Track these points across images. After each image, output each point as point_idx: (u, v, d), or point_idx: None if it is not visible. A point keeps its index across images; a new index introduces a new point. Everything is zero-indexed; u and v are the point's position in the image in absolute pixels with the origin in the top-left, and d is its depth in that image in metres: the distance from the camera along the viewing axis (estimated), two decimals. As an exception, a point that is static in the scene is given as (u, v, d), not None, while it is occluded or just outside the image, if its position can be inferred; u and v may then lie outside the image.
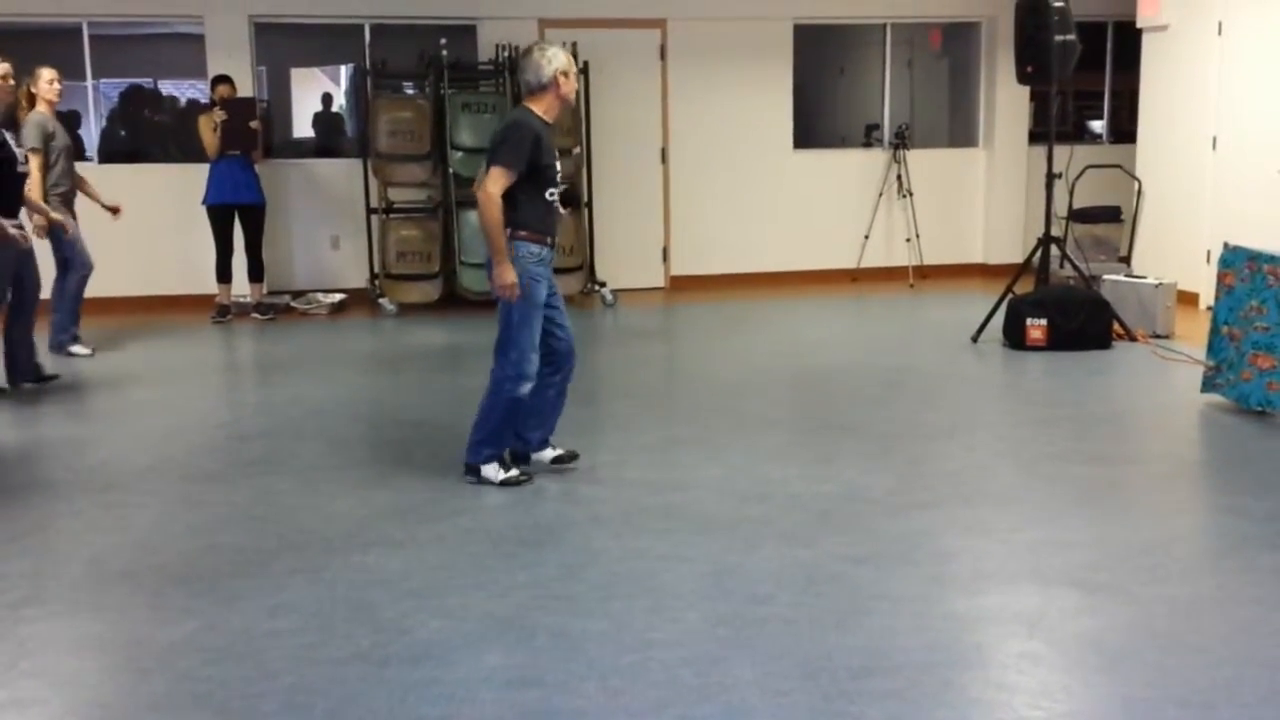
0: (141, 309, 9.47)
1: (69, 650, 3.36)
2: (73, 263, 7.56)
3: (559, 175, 4.68)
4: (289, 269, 10.01)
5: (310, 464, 5.20)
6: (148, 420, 6.08)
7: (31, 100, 7.43)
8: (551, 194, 4.63)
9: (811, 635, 3.34)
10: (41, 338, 7.51)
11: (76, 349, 7.68)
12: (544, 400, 4.86)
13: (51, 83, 7.47)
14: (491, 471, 4.78)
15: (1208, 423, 5.76)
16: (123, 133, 10.45)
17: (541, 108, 4.61)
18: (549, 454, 4.99)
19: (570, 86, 4.64)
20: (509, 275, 4.50)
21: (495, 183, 4.46)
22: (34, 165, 7.13)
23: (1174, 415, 5.92)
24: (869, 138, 11.25)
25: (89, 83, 9.58)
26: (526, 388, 4.67)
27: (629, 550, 4.06)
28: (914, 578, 3.77)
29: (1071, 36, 7.49)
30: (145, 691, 3.08)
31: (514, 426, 4.83)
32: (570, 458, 5.01)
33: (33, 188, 7.06)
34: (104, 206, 7.87)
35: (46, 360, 7.13)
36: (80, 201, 7.76)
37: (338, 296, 9.71)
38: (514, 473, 4.80)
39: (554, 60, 4.56)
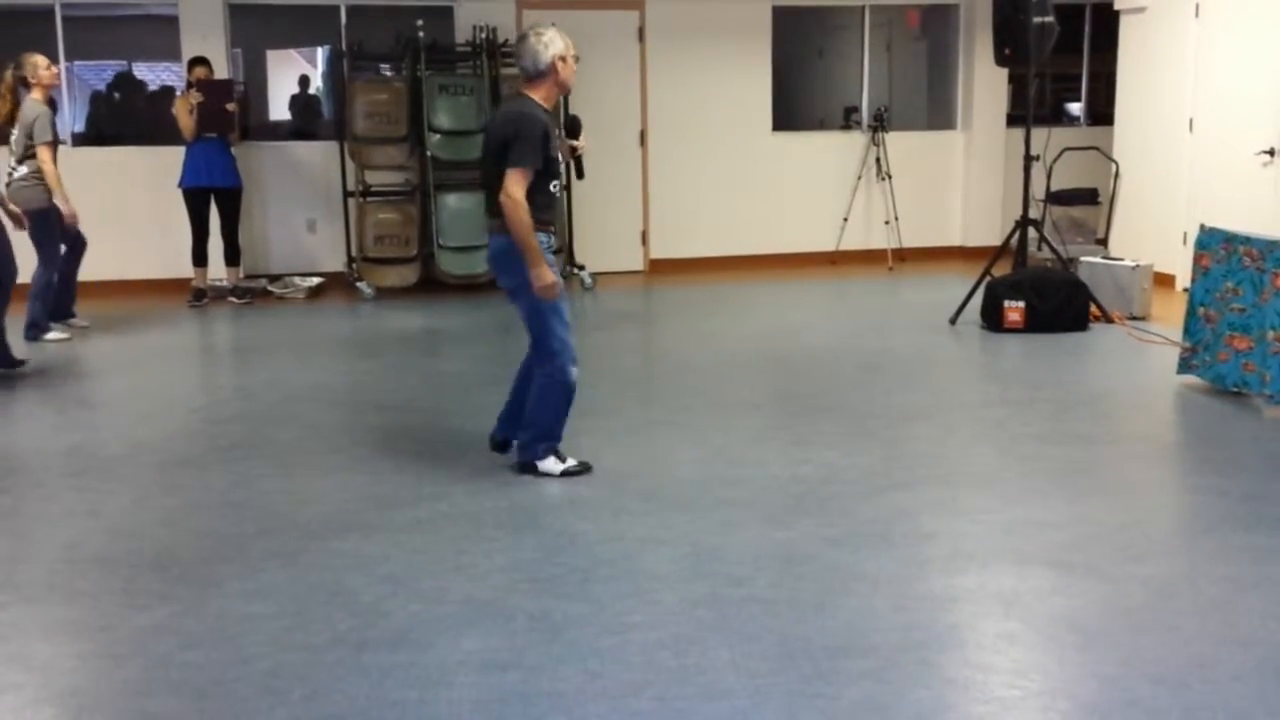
0: (117, 293, 9.40)
1: (43, 636, 3.34)
2: (44, 256, 7.55)
3: (561, 166, 4.58)
4: (266, 252, 9.95)
5: (287, 449, 5.17)
6: (123, 405, 6.04)
7: (15, 89, 7.38)
8: (555, 186, 4.54)
9: (790, 616, 3.35)
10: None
11: (49, 335, 7.65)
12: (527, 388, 4.73)
13: (49, 67, 7.48)
14: (551, 465, 4.65)
15: (1184, 404, 5.80)
16: (98, 115, 10.35)
17: (540, 95, 4.47)
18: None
19: (569, 71, 4.48)
20: (548, 275, 4.37)
21: (518, 186, 4.31)
22: (47, 158, 7.34)
23: (1150, 396, 5.95)
24: (848, 120, 11.24)
25: (62, 65, 9.47)
26: (575, 370, 4.56)
27: (608, 533, 4.06)
28: (892, 558, 3.78)
29: (1049, 19, 7.51)
30: (120, 677, 3.06)
31: (566, 416, 4.67)
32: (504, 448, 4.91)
33: (53, 180, 7.36)
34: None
35: (21, 348, 7.10)
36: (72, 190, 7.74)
37: (315, 280, 9.65)
38: (573, 463, 4.68)
39: (551, 45, 4.42)
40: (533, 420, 4.65)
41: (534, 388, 4.63)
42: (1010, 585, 3.56)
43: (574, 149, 4.77)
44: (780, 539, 3.97)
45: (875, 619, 3.33)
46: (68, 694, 3.00)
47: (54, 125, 7.44)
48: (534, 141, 4.33)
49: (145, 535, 4.11)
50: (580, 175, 4.95)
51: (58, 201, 7.43)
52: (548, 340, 4.52)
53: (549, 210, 4.52)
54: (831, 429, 5.34)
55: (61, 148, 8.86)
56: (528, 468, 4.69)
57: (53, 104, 7.68)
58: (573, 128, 4.77)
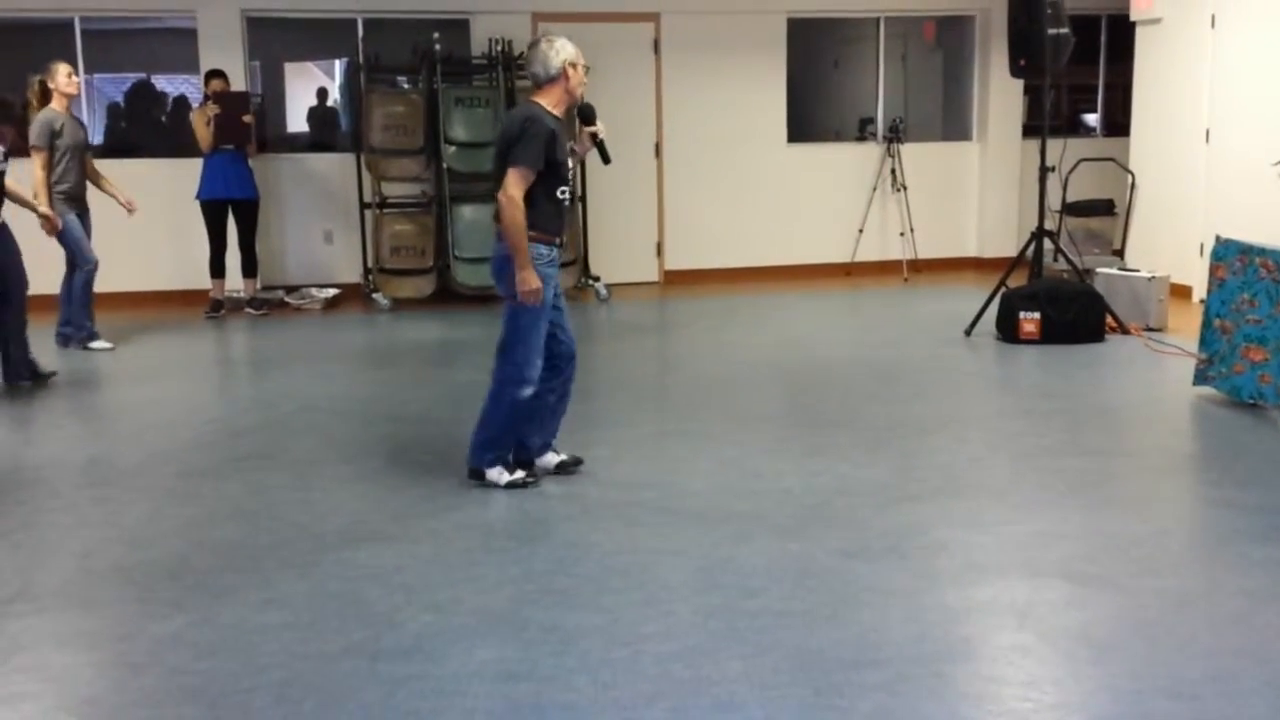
0: (135, 304, 9.46)
1: (60, 645, 3.36)
2: (75, 260, 7.63)
3: (570, 173, 4.58)
4: (282, 264, 10.00)
5: (302, 459, 5.20)
6: (140, 415, 6.08)
7: (44, 97, 7.47)
8: (563, 192, 4.52)
9: (803, 628, 3.35)
10: (46, 334, 7.55)
11: (96, 344, 7.73)
12: (544, 405, 4.72)
13: (70, 77, 7.55)
14: (496, 474, 4.67)
15: (1200, 415, 5.77)
16: (116, 127, 10.43)
17: (550, 101, 4.50)
18: (552, 459, 4.83)
19: (579, 78, 4.52)
20: (533, 280, 4.39)
21: (516, 185, 4.34)
22: (36, 163, 7.26)
23: (1166, 408, 5.93)
24: (863, 131, 11.25)
25: (81, 78, 9.53)
26: (529, 391, 4.56)
27: (621, 544, 4.06)
28: (905, 571, 3.78)
29: (1065, 29, 7.49)
30: (136, 686, 3.08)
31: (517, 430, 4.70)
32: (574, 463, 4.87)
33: (37, 185, 7.29)
34: (120, 203, 7.87)
35: (48, 356, 7.14)
36: (94, 198, 7.79)
37: (331, 291, 9.70)
38: (519, 475, 4.69)
39: (562, 51, 4.46)
40: (482, 425, 4.67)
41: (488, 393, 4.64)
42: (1024, 597, 3.55)
43: (594, 135, 4.71)
44: (793, 551, 3.96)
45: (888, 631, 3.32)
46: (84, 703, 3.02)
47: (48, 132, 7.36)
48: (538, 142, 4.35)
49: (161, 545, 4.13)
50: (607, 160, 4.79)
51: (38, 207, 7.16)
52: (513, 351, 4.55)
53: (556, 219, 4.52)
54: (845, 440, 5.33)
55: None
56: (475, 473, 4.71)
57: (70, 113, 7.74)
58: (587, 115, 4.75)
